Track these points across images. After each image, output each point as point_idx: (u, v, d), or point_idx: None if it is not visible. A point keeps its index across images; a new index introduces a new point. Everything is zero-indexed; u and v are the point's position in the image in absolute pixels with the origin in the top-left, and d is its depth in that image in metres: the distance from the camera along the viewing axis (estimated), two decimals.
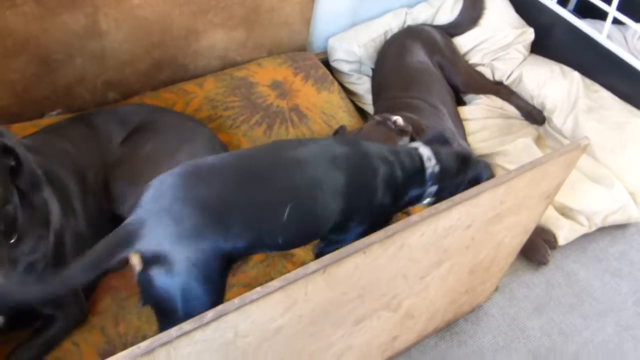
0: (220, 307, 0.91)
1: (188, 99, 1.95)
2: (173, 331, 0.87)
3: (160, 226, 1.11)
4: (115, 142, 1.61)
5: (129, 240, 1.11)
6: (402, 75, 2.19)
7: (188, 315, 1.03)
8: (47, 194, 1.35)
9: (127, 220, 1.15)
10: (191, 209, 1.12)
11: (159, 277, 1.12)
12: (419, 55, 2.27)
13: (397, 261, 1.17)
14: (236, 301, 0.92)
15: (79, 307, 1.45)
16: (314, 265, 0.99)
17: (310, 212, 1.24)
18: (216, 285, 1.18)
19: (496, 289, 1.95)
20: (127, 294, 1.53)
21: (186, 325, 0.88)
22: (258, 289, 0.94)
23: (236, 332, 0.98)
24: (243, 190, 1.18)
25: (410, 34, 2.41)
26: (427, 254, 1.25)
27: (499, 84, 2.50)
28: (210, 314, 0.90)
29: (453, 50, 2.46)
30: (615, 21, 2.38)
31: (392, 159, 1.36)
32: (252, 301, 0.94)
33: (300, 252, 1.61)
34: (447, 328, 1.85)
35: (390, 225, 1.06)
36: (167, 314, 1.17)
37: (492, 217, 1.32)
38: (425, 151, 1.42)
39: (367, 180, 1.31)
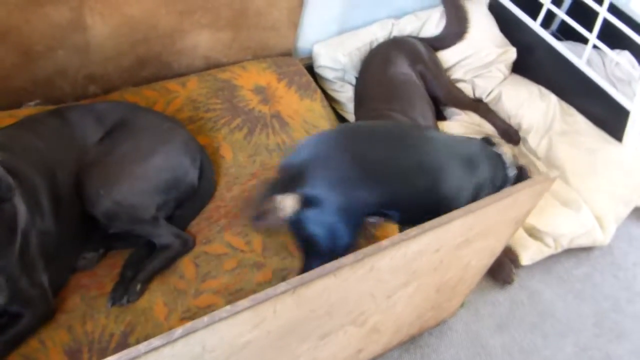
0: (189, 325, 0.92)
1: (170, 98, 1.94)
2: (142, 347, 0.88)
3: (320, 172, 1.34)
4: (91, 141, 1.60)
5: (293, 183, 1.34)
6: (385, 86, 2.22)
7: (331, 251, 1.33)
8: (15, 196, 1.34)
9: (285, 164, 1.42)
10: (348, 160, 1.35)
11: (312, 218, 1.35)
12: (403, 67, 2.30)
13: (366, 282, 1.20)
14: (205, 319, 0.94)
15: (46, 304, 1.45)
16: (283, 285, 1.01)
17: (436, 188, 1.45)
18: (357, 229, 1.41)
19: (462, 305, 2.00)
20: (97, 293, 1.53)
21: (155, 341, 0.90)
22: (227, 307, 0.96)
23: (204, 347, 1.00)
24: (390, 153, 1.41)
25: (395, 45, 2.44)
26: (395, 276, 1.28)
27: (479, 101, 2.55)
28: (179, 330, 0.92)
29: (436, 63, 2.49)
30: (596, 45, 2.44)
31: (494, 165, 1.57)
32: (221, 319, 0.95)
33: (272, 262, 1.62)
34: (412, 341, 1.89)
35: (362, 250, 1.09)
36: (312, 250, 1.40)
37: (460, 242, 1.35)
38: (508, 159, 1.59)
39: (477, 179, 1.51)
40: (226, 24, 2.10)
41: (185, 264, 1.59)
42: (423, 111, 2.23)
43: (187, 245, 1.61)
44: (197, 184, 1.70)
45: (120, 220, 1.55)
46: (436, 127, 2.31)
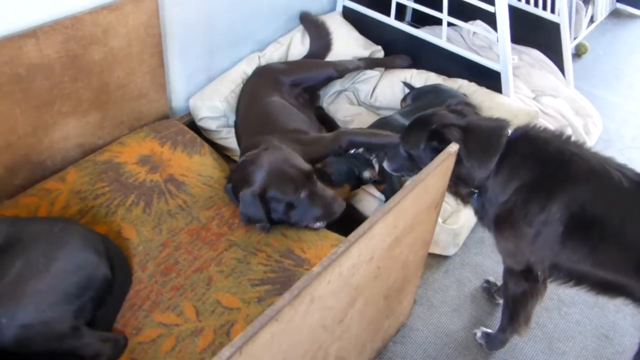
0: None
1: (52, 198, 1.80)
2: None
3: None
4: None
5: None
6: (255, 117, 2.21)
7: None
8: None
9: None
10: None
11: None
12: (267, 93, 2.29)
13: (312, 315, 1.14)
14: None
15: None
16: (227, 350, 0.92)
17: None
18: None
19: (414, 302, 1.98)
20: None
21: None
22: None
23: None
24: None
25: (258, 75, 2.45)
26: (339, 298, 1.22)
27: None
28: None
29: (305, 62, 2.55)
30: (450, 23, 2.56)
31: None
32: None
33: (210, 322, 1.52)
34: (379, 356, 1.83)
35: (295, 284, 1.03)
36: None
37: (390, 243, 1.33)
38: None
39: None
40: (90, 106, 1.99)
41: None
42: (299, 123, 2.23)
43: (118, 347, 1.47)
44: (111, 275, 1.57)
45: (35, 344, 1.39)
46: (320, 130, 2.34)
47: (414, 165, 1.69)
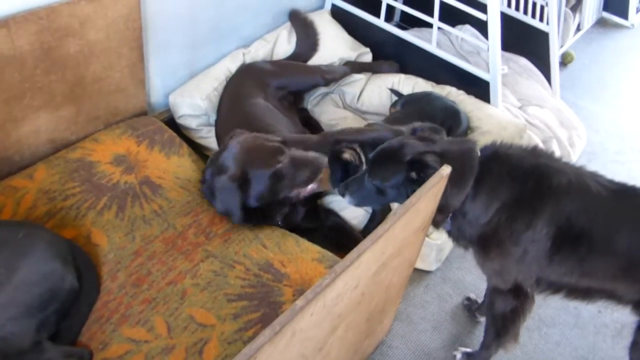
0: None
1: (18, 197, 1.69)
2: None
3: None
4: None
5: None
6: (236, 117, 2.12)
7: None
8: None
9: None
10: None
11: None
12: (251, 94, 2.21)
13: (292, 348, 1.07)
14: None
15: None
16: None
17: None
18: None
19: (394, 318, 1.93)
20: None
21: None
22: None
23: None
24: None
25: (242, 74, 2.35)
26: (321, 327, 1.16)
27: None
28: None
29: (293, 66, 2.46)
30: (439, 27, 2.51)
31: None
32: None
33: (181, 340, 1.44)
34: None
35: (277, 320, 0.96)
36: None
37: (376, 269, 1.27)
38: None
39: None
40: (64, 100, 1.88)
41: None
42: (282, 126, 2.15)
43: None
44: (78, 285, 1.48)
45: None
46: (303, 132, 2.26)
47: (382, 199, 1.62)
